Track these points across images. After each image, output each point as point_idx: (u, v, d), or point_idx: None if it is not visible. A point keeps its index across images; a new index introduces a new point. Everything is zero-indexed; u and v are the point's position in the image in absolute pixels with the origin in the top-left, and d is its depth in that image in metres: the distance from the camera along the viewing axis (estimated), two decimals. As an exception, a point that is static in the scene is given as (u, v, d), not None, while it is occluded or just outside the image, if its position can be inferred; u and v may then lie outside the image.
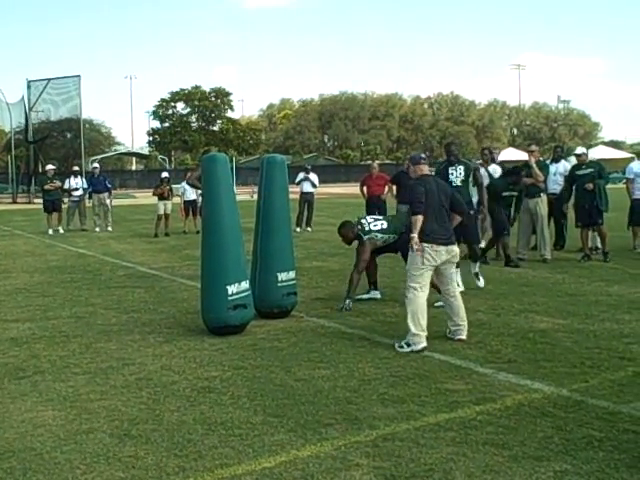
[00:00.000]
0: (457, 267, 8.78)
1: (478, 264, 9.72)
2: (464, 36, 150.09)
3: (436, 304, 8.26)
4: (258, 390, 5.44)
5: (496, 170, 12.80)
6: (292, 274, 8.00)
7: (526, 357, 6.21)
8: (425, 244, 6.59)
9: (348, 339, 6.96)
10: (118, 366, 6.17)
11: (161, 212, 18.66)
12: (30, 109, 43.46)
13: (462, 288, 9.05)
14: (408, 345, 6.50)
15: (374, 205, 16.75)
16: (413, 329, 6.52)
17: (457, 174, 9.51)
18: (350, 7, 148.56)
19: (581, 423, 4.63)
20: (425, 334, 6.55)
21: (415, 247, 6.53)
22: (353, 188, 30.05)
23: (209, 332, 7.18)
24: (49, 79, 43.33)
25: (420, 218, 6.58)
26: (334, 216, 20.46)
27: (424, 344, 6.50)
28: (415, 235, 6.55)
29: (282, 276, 7.86)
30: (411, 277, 6.67)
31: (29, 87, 43.23)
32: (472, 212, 9.40)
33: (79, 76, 41.88)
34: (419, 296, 6.61)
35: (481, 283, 9.56)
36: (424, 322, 6.55)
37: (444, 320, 7.04)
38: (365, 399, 5.19)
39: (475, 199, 10.08)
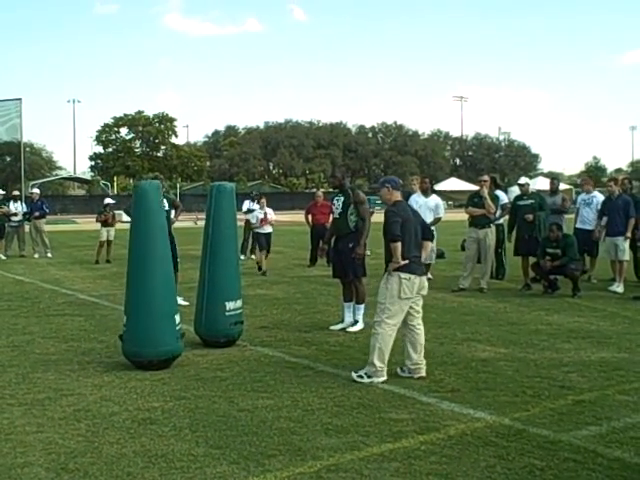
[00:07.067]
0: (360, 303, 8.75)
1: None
2: (407, 66, 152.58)
3: (332, 327, 8.66)
4: (200, 421, 5.35)
5: (436, 200, 13.06)
6: (239, 303, 7.94)
7: (469, 386, 6.26)
8: (403, 274, 6.35)
9: (292, 368, 6.91)
10: (56, 397, 6.01)
11: (104, 238, 18.34)
12: (-32, 132, 42.51)
13: (362, 326, 8.72)
14: (369, 377, 6.35)
15: (319, 233, 16.78)
16: (378, 364, 6.34)
17: None
18: (294, 36, 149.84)
19: (523, 452, 4.68)
20: (386, 368, 6.41)
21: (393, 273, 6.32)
22: (298, 215, 30.09)
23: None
24: (-12, 101, 42.46)
25: (399, 245, 6.32)
26: (280, 244, 20.42)
27: (385, 377, 6.38)
28: (400, 263, 6.30)
29: (230, 305, 7.77)
30: (385, 310, 6.36)
31: (-32, 109, 42.32)
32: None
33: (20, 99, 40.91)
34: (390, 332, 6.38)
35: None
36: (387, 356, 6.39)
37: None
38: (309, 429, 5.15)
39: None
